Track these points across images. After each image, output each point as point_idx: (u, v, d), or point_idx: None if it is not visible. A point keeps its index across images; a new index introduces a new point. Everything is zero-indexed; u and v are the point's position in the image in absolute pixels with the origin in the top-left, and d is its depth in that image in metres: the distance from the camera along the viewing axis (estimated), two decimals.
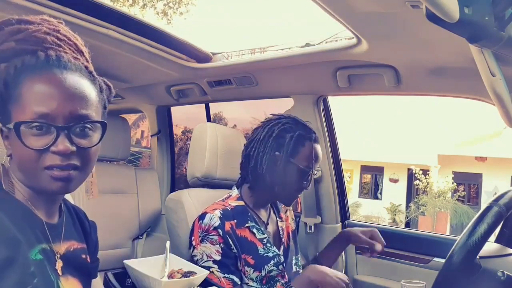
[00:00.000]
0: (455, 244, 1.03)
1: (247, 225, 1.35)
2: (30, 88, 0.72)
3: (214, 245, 1.27)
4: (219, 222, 1.29)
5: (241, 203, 1.39)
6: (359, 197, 14.05)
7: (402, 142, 12.93)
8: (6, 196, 0.75)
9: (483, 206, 1.08)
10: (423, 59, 1.39)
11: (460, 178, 12.82)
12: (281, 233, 1.46)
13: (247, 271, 1.31)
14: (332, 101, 1.92)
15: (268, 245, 1.37)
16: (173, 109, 2.49)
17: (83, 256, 0.87)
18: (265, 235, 1.38)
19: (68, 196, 0.95)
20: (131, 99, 2.39)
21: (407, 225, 12.49)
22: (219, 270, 1.27)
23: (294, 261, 1.47)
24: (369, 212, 12.53)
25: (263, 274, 1.33)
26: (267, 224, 1.43)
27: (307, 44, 1.60)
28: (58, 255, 0.78)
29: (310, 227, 1.89)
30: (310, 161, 1.35)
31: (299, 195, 1.47)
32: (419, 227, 11.77)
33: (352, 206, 12.10)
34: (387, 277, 1.70)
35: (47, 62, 0.73)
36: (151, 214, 2.27)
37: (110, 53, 1.66)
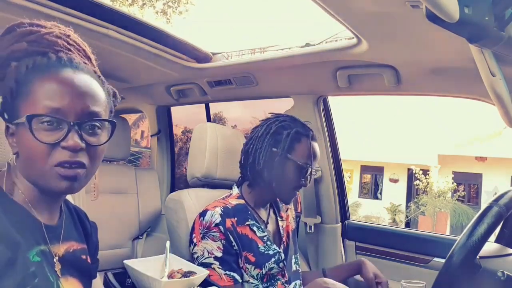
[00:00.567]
0: (455, 244, 1.03)
1: (247, 223, 1.35)
2: (42, 84, 0.73)
3: (215, 241, 1.28)
4: (220, 219, 1.29)
5: (242, 201, 1.40)
6: (359, 197, 14.05)
7: (402, 142, 12.93)
8: (3, 198, 0.75)
9: (483, 206, 1.08)
10: (423, 59, 1.39)
11: (460, 178, 12.82)
12: (281, 232, 1.47)
13: (248, 268, 1.31)
14: (332, 101, 1.93)
15: (269, 243, 1.37)
16: (173, 109, 2.49)
17: (83, 256, 0.87)
18: (265, 233, 1.38)
19: (68, 196, 0.95)
20: (131, 99, 2.38)
21: (407, 225, 12.50)
22: (220, 267, 1.27)
23: (293, 260, 1.48)
24: (369, 212, 12.53)
25: (264, 271, 1.33)
26: (267, 223, 1.44)
27: (307, 44, 1.60)
28: (57, 257, 0.79)
29: (310, 227, 1.89)
30: (307, 157, 1.36)
31: (298, 193, 1.47)
32: (419, 227, 11.77)
33: (352, 206, 12.10)
34: (387, 277, 1.70)
35: (59, 63, 0.75)
36: (151, 214, 2.27)
37: (110, 53, 1.66)
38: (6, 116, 0.77)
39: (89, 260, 0.89)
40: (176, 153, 2.56)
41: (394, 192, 13.64)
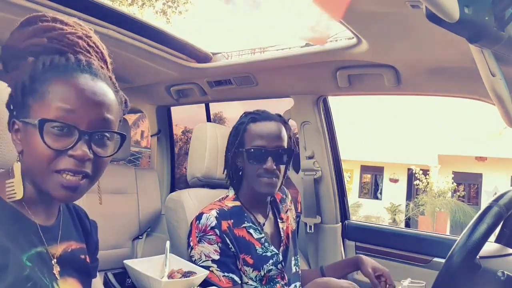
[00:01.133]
0: (455, 244, 1.03)
1: (243, 225, 1.35)
2: (58, 87, 0.71)
3: (212, 244, 1.27)
4: (216, 221, 1.29)
5: (238, 203, 1.39)
6: (359, 197, 14.05)
7: (402, 142, 12.93)
8: None
9: (483, 206, 1.08)
10: (423, 59, 1.39)
11: (460, 178, 12.82)
12: (281, 234, 1.46)
13: (246, 270, 1.31)
14: (332, 101, 1.92)
15: (266, 244, 1.37)
16: (173, 109, 2.49)
17: (82, 256, 0.86)
18: (263, 235, 1.38)
19: None
20: (131, 99, 2.34)
21: (407, 224, 12.50)
22: (218, 269, 1.27)
23: (293, 262, 1.47)
24: (369, 212, 12.52)
25: (263, 273, 1.33)
26: (263, 225, 1.42)
27: (307, 44, 1.60)
28: (55, 259, 0.78)
29: (310, 227, 1.89)
30: (259, 139, 1.35)
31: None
32: (419, 227, 11.77)
33: (353, 207, 12.10)
34: None
35: (78, 66, 0.74)
36: (151, 214, 2.26)
37: (110, 53, 1.66)
38: (13, 111, 0.75)
39: (88, 260, 0.88)
40: (176, 153, 2.56)
41: (394, 192, 13.63)
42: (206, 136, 1.64)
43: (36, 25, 0.75)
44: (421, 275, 1.45)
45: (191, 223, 1.34)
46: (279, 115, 1.45)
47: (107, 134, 0.74)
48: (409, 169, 13.07)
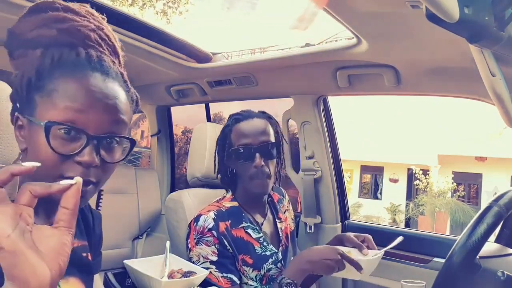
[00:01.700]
0: (455, 244, 1.03)
1: (241, 225, 1.35)
2: (67, 86, 0.66)
3: (209, 246, 1.27)
4: (213, 223, 1.29)
5: (235, 203, 1.39)
6: (359, 197, 14.05)
7: (402, 142, 12.93)
8: None
9: (483, 206, 1.08)
10: (423, 59, 1.39)
11: (460, 178, 12.82)
12: (280, 235, 1.46)
13: (245, 270, 1.31)
14: (332, 101, 1.92)
15: (265, 243, 1.37)
16: (173, 109, 2.49)
17: (84, 254, 0.85)
18: (261, 235, 1.38)
19: None
20: None
21: (407, 224, 12.50)
22: (217, 270, 1.27)
23: None
24: (369, 212, 12.52)
25: (263, 273, 1.33)
26: (262, 224, 1.42)
27: (307, 44, 1.60)
28: None
29: (310, 227, 1.89)
30: (244, 137, 1.34)
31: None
32: (418, 227, 11.77)
33: (353, 207, 12.10)
34: (387, 277, 1.70)
35: (89, 63, 0.69)
36: (151, 214, 2.27)
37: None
38: (17, 104, 0.71)
39: (90, 257, 0.87)
40: (176, 153, 2.56)
41: (394, 192, 13.64)
42: (206, 136, 1.64)
43: (46, 13, 0.70)
44: (421, 275, 1.45)
45: (189, 224, 1.34)
46: (263, 112, 1.44)
47: (116, 139, 0.70)
48: (409, 169, 13.07)
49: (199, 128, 1.72)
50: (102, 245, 0.94)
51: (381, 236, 1.44)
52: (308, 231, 1.90)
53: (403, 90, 1.61)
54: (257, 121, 1.37)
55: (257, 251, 1.34)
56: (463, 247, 1.00)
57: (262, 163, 1.31)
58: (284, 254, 1.42)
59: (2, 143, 0.84)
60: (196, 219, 1.32)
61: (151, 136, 2.53)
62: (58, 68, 0.68)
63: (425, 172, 12.37)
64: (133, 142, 0.73)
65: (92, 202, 0.91)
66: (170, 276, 1.14)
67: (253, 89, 1.89)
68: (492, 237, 1.15)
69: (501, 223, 1.12)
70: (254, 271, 1.32)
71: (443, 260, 1.04)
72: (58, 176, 0.66)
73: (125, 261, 1.18)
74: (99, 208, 0.92)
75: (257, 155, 1.32)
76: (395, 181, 13.98)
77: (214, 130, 1.66)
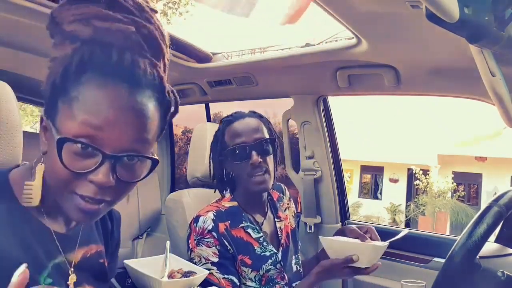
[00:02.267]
0: (455, 244, 1.03)
1: (241, 225, 1.34)
2: (90, 96, 0.61)
3: (210, 247, 1.27)
4: (213, 224, 1.28)
5: (235, 203, 1.38)
6: (359, 197, 14.05)
7: (402, 142, 12.93)
8: (12, 204, 0.67)
9: (483, 206, 1.08)
10: (423, 59, 1.39)
11: (460, 178, 12.82)
12: (279, 234, 1.44)
13: (244, 271, 1.30)
14: (332, 101, 1.92)
15: (265, 244, 1.36)
16: None
17: (101, 260, 0.81)
18: (261, 234, 1.37)
19: None
20: None
21: (407, 224, 12.49)
22: (218, 272, 1.26)
23: (294, 261, 1.46)
24: (369, 212, 12.52)
25: (261, 273, 1.32)
26: (262, 224, 1.41)
27: (307, 44, 1.60)
28: (72, 269, 0.72)
29: (310, 227, 1.89)
30: (237, 137, 1.34)
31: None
32: (419, 227, 11.77)
33: (353, 206, 12.09)
34: (387, 277, 1.70)
35: (119, 71, 0.61)
36: (151, 214, 2.27)
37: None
38: (44, 103, 0.66)
39: (106, 263, 0.83)
40: (176, 153, 2.56)
41: (394, 192, 13.63)
42: (206, 136, 1.64)
43: (87, 7, 0.61)
44: (421, 275, 1.45)
45: (189, 225, 1.34)
46: (253, 112, 1.44)
47: (136, 158, 0.64)
48: (409, 169, 13.07)
49: (199, 128, 1.72)
50: (119, 249, 0.91)
51: (381, 236, 1.44)
52: (308, 231, 1.90)
53: (403, 90, 1.61)
54: (249, 120, 1.38)
55: (256, 252, 1.33)
56: (463, 247, 1.00)
57: (260, 159, 1.31)
58: (285, 254, 1.41)
59: (2, 144, 0.84)
60: (196, 220, 1.31)
61: None
62: (84, 73, 0.61)
63: (425, 172, 12.36)
64: (155, 162, 0.67)
65: None
66: (170, 276, 1.14)
67: (253, 89, 1.89)
68: (492, 237, 1.15)
69: (501, 223, 1.12)
70: (253, 272, 1.31)
71: (443, 260, 1.04)
72: (70, 192, 0.63)
73: (125, 261, 1.18)
74: None
75: (253, 152, 1.31)
76: (395, 181, 13.97)
77: (214, 130, 1.66)
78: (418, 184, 12.34)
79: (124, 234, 2.19)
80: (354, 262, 1.18)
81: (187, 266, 1.19)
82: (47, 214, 0.70)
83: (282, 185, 1.59)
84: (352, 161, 13.36)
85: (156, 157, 0.67)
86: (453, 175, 12.79)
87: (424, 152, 12.54)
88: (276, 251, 1.38)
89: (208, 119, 2.45)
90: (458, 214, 11.70)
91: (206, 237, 1.28)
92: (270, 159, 1.35)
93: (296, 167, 1.96)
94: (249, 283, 1.31)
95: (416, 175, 12.25)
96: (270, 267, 1.34)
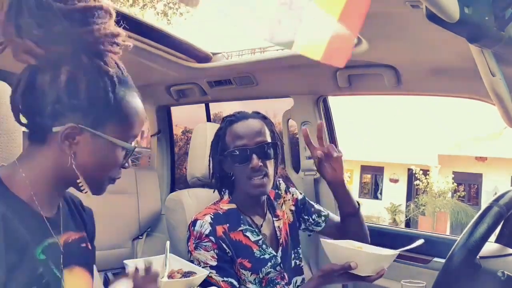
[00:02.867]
0: (455, 244, 1.03)
1: (240, 229, 1.33)
2: (129, 115, 0.91)
3: (208, 251, 1.26)
4: (210, 228, 1.27)
5: (233, 205, 1.37)
6: (359, 197, 14.03)
7: (402, 142, 12.92)
8: (5, 192, 0.74)
9: (483, 206, 1.08)
10: (423, 59, 1.39)
11: (460, 178, 12.81)
12: (278, 234, 1.41)
13: (243, 274, 1.30)
14: (332, 101, 1.92)
15: (264, 246, 1.35)
16: (173, 109, 2.49)
17: (83, 244, 0.88)
18: (260, 237, 1.35)
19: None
20: None
21: (407, 224, 12.49)
22: (217, 275, 1.26)
23: (293, 256, 1.43)
24: (369, 212, 12.52)
25: (261, 276, 1.31)
26: (261, 226, 1.39)
27: None
28: (61, 248, 0.79)
29: None
30: (239, 139, 1.32)
31: (264, 180, 1.37)
32: (419, 227, 11.76)
33: None
34: (387, 277, 1.69)
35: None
36: (151, 214, 2.27)
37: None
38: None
39: (89, 247, 0.90)
40: (176, 153, 2.56)
41: (394, 192, 13.63)
42: (206, 136, 1.64)
43: (94, 25, 0.78)
44: (421, 275, 1.45)
45: (188, 227, 1.33)
46: (257, 112, 1.41)
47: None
48: (409, 169, 13.06)
49: (199, 128, 1.72)
50: (94, 240, 0.97)
51: (381, 236, 1.44)
52: None
53: (403, 90, 1.61)
54: (252, 121, 1.35)
55: (255, 255, 1.32)
56: (463, 247, 1.00)
57: (260, 163, 1.29)
58: (284, 253, 1.40)
59: (2, 144, 0.84)
60: (193, 223, 1.30)
61: (151, 136, 2.53)
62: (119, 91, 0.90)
63: (425, 172, 12.36)
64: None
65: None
66: (170, 276, 1.14)
67: (253, 89, 1.89)
68: (492, 237, 1.15)
69: (501, 223, 1.12)
70: (253, 275, 1.30)
71: (443, 260, 1.04)
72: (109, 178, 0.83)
73: (125, 261, 1.18)
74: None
75: (254, 156, 1.30)
76: (395, 181, 13.97)
77: (214, 130, 1.66)
78: (418, 184, 12.33)
79: (124, 234, 2.21)
80: (352, 270, 1.14)
81: (187, 266, 1.19)
82: (38, 200, 0.78)
83: (278, 179, 1.53)
84: (352, 161, 13.36)
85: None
86: (453, 175, 12.78)
87: (424, 152, 12.54)
88: (275, 254, 1.36)
89: (208, 119, 2.45)
90: (458, 214, 11.69)
91: (204, 241, 1.27)
92: (270, 163, 1.33)
93: (296, 167, 1.95)
94: (249, 285, 1.30)
95: (416, 175, 12.24)
96: (270, 269, 1.33)
